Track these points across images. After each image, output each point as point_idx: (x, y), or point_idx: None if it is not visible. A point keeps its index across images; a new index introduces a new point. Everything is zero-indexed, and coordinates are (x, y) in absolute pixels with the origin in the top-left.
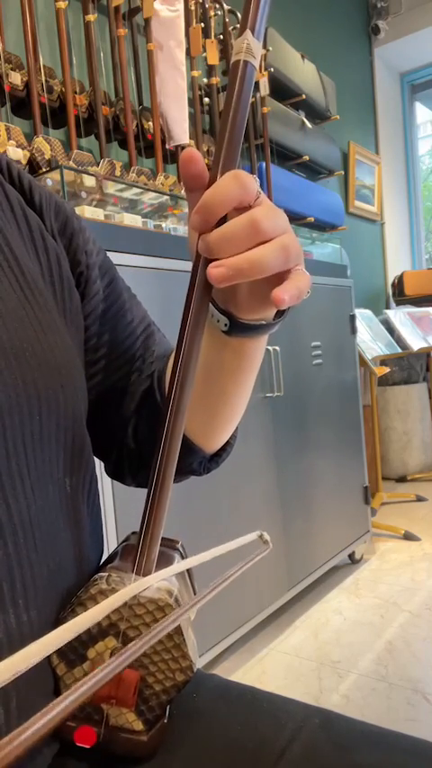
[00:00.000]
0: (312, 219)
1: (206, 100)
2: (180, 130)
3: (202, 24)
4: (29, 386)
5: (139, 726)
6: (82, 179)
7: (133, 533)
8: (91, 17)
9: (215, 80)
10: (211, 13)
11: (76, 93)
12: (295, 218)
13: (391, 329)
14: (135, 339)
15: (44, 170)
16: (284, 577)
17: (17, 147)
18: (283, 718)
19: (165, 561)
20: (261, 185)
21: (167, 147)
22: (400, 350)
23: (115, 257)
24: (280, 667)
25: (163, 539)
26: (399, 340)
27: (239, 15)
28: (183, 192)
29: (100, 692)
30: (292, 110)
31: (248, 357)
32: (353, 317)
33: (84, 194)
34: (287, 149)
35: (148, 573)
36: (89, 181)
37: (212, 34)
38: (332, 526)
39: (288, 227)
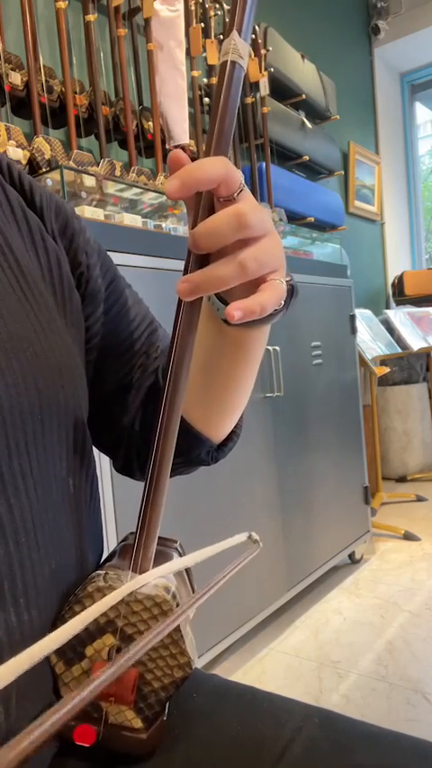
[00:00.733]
0: (312, 219)
1: (206, 100)
2: (180, 130)
3: (202, 24)
4: (29, 385)
5: (138, 723)
6: (82, 179)
7: (131, 534)
8: (91, 17)
9: (215, 80)
10: (211, 13)
11: (76, 93)
12: (295, 218)
13: (391, 329)
14: (138, 336)
15: (44, 170)
16: (284, 577)
17: (17, 147)
18: (283, 717)
19: (163, 560)
20: (261, 185)
21: (167, 147)
22: (400, 350)
23: (115, 257)
24: (280, 667)
25: (161, 538)
26: (399, 340)
27: None
28: None
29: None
30: (292, 110)
31: (249, 346)
32: (353, 317)
33: (84, 194)
34: (287, 149)
35: (144, 570)
36: (89, 181)
37: (212, 34)
38: (332, 526)
39: (272, 226)
